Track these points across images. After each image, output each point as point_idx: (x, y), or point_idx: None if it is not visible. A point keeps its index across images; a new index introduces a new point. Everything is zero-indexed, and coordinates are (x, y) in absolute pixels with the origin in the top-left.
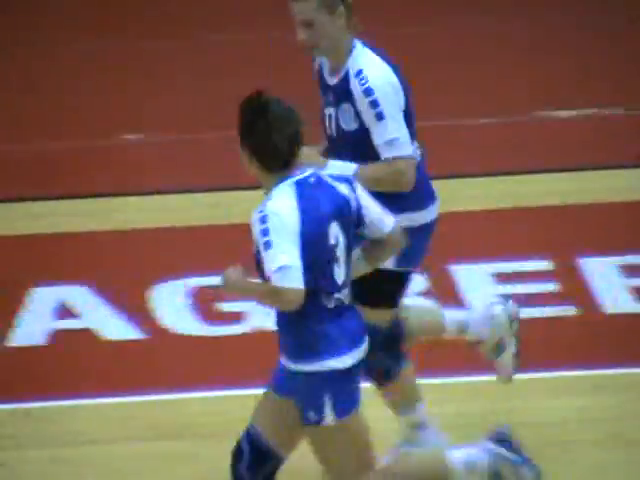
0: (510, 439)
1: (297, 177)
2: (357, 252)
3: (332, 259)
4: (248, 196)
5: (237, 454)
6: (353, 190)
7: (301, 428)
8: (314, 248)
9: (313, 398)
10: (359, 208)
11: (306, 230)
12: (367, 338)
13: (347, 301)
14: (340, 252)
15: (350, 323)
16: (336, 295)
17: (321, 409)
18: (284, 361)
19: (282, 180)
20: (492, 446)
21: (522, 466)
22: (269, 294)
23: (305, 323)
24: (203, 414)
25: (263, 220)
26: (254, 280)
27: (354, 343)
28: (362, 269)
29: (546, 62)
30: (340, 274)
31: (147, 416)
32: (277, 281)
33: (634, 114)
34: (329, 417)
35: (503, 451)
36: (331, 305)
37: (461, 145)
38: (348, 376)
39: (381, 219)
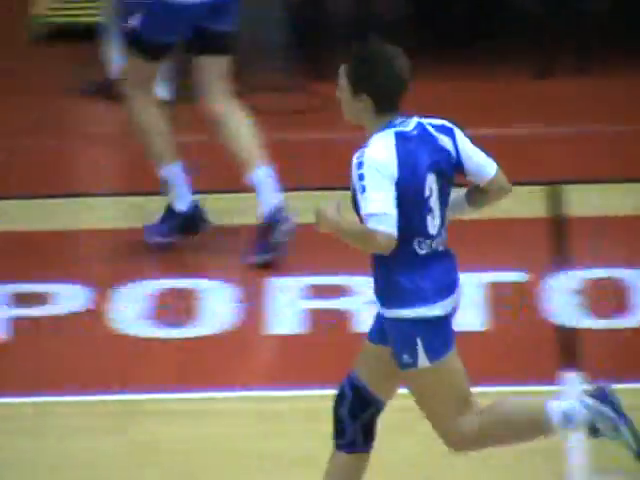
0: (611, 397)
1: (399, 128)
2: (461, 196)
3: (426, 210)
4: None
5: (339, 398)
6: (454, 141)
7: (398, 374)
8: (409, 198)
9: (406, 342)
10: (459, 158)
11: (402, 180)
12: (459, 286)
13: (441, 248)
14: (434, 203)
15: (442, 272)
16: (428, 243)
17: (415, 352)
18: (378, 307)
19: (386, 126)
20: (592, 401)
21: (620, 424)
22: (362, 236)
23: (396, 270)
24: None
25: (360, 165)
26: (349, 219)
27: (445, 292)
28: (466, 212)
29: None
30: (434, 225)
31: None
32: (371, 225)
33: None
34: (423, 360)
35: (603, 407)
36: (422, 252)
37: None
38: (440, 321)
39: (484, 165)
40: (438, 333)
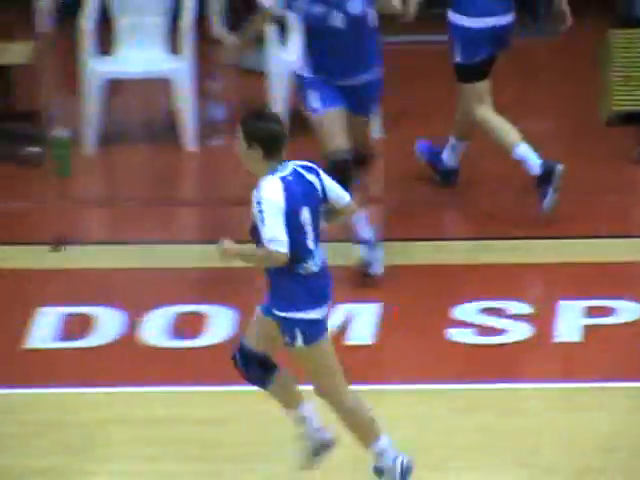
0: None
1: (281, 173)
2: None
3: (304, 232)
4: None
5: (234, 361)
6: (319, 178)
7: (280, 341)
8: (293, 225)
9: (288, 330)
10: (324, 191)
11: (288, 213)
12: (331, 296)
13: (318, 265)
14: (308, 227)
15: (319, 288)
16: (309, 262)
17: (294, 337)
18: (269, 304)
19: (272, 172)
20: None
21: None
22: (263, 256)
23: (284, 282)
24: None
25: (259, 204)
26: (247, 246)
27: (320, 302)
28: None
29: None
30: (310, 243)
31: None
32: (271, 247)
33: None
34: (299, 343)
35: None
36: (303, 272)
37: None
38: (315, 320)
39: (341, 195)
40: (312, 328)
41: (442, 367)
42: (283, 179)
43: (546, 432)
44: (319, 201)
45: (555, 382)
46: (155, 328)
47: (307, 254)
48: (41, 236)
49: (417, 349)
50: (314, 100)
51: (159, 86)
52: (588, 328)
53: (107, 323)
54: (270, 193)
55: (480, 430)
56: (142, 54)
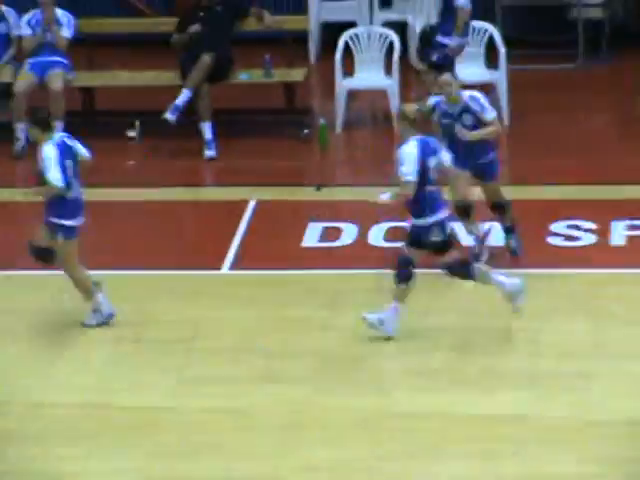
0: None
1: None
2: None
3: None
4: None
5: None
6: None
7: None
8: (421, 169)
9: (51, 230)
10: (438, 152)
11: (419, 161)
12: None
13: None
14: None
15: (74, 207)
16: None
17: (55, 235)
18: None
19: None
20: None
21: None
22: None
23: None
24: None
25: (401, 154)
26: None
27: (77, 216)
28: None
29: None
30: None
31: None
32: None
33: None
34: (61, 238)
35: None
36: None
37: None
38: (71, 227)
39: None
40: (68, 231)
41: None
42: (419, 140)
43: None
44: (436, 157)
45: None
46: (375, 235)
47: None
48: (311, 181)
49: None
50: None
51: (380, 94)
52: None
53: (349, 232)
54: (409, 148)
55: None
56: (369, 75)
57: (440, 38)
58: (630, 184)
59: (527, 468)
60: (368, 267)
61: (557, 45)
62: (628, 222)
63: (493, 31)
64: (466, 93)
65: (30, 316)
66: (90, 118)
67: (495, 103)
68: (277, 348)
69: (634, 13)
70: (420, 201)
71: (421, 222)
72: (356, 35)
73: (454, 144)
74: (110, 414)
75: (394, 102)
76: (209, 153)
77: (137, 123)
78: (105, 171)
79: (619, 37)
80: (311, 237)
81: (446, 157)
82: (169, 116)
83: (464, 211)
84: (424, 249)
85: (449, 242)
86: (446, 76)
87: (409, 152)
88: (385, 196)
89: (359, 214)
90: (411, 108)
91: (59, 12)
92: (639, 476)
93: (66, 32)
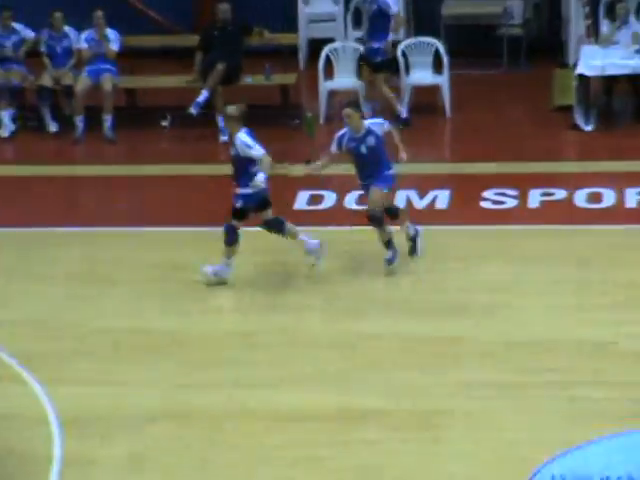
0: None
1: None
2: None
3: None
4: None
5: None
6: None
7: None
8: None
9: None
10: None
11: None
12: None
13: None
14: None
15: None
16: None
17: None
18: None
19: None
20: None
21: None
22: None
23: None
24: None
25: (245, 143)
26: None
27: None
28: None
29: None
30: None
31: None
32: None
33: None
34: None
35: None
36: None
37: None
38: None
39: None
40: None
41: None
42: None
43: None
44: None
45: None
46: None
47: None
48: (301, 159)
49: None
50: None
51: (353, 93)
52: None
53: (330, 198)
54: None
55: None
56: (345, 79)
57: (375, 44)
58: (542, 161)
59: (459, 377)
60: (343, 225)
61: (487, 55)
62: (541, 190)
63: (439, 45)
64: (367, 122)
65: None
66: (132, 112)
67: (440, 99)
68: (277, 281)
69: (545, 32)
70: (248, 173)
71: (247, 191)
72: (335, 49)
73: (361, 162)
74: (149, 336)
75: (361, 100)
76: (223, 138)
77: (168, 116)
78: (145, 151)
79: (533, 50)
80: (301, 202)
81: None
82: (192, 110)
83: (376, 220)
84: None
85: (264, 204)
86: (347, 110)
87: (247, 138)
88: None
89: (337, 184)
90: (232, 109)
91: (108, 30)
92: (555, 383)
93: (114, 46)
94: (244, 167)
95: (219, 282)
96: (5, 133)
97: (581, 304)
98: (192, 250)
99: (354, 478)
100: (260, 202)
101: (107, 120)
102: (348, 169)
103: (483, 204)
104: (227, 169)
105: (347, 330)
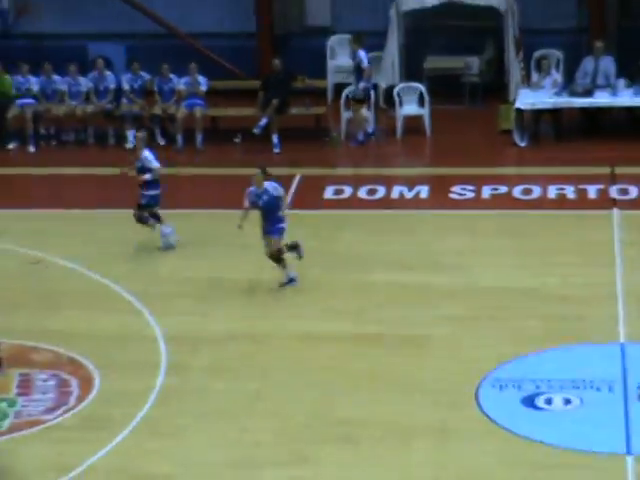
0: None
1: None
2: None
3: None
4: None
5: None
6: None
7: None
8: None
9: None
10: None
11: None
12: None
13: None
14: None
15: None
16: None
17: None
18: None
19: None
20: None
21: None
22: None
23: None
24: None
25: (148, 158)
26: None
27: None
28: None
29: None
30: None
31: None
32: None
33: None
34: None
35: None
36: None
37: None
38: None
39: None
40: None
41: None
42: None
43: None
44: None
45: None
46: (362, 192)
47: None
48: (329, 163)
49: None
50: None
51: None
52: None
53: (348, 190)
54: None
55: None
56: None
57: (358, 86)
58: (492, 167)
59: (435, 312)
60: (359, 209)
61: (455, 96)
62: (491, 186)
63: (422, 88)
64: (267, 183)
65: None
66: (215, 132)
67: (423, 125)
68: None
69: (494, 79)
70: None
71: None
72: (351, 90)
73: (261, 214)
74: (224, 283)
75: (370, 124)
76: (276, 150)
77: (239, 135)
78: (222, 159)
79: (486, 92)
80: (329, 193)
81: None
82: (255, 131)
83: (275, 260)
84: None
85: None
86: (256, 172)
87: (149, 155)
88: None
89: (353, 180)
90: (140, 134)
91: (199, 77)
92: (502, 317)
93: (203, 87)
94: (143, 172)
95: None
96: (130, 145)
97: (519, 263)
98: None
99: (368, 378)
100: (148, 204)
101: (198, 137)
102: (359, 172)
103: (452, 195)
104: (279, 170)
105: (360, 279)
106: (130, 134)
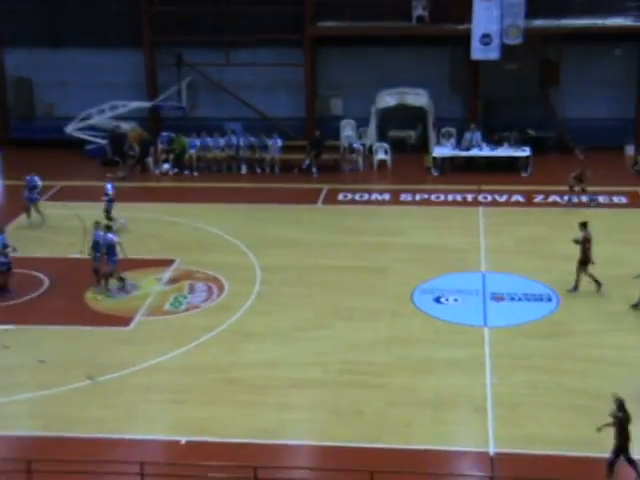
0: None
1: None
2: None
3: None
4: None
5: None
6: None
7: None
8: None
9: None
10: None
11: None
12: None
13: None
14: None
15: None
16: None
17: None
18: None
19: None
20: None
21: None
22: None
23: None
24: None
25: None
26: None
27: None
28: None
29: None
30: None
31: None
32: None
33: None
34: None
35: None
36: None
37: None
38: None
39: None
40: None
41: None
42: None
43: None
44: None
45: None
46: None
47: None
48: (339, 183)
49: None
50: None
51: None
52: None
53: (357, 195)
54: None
55: None
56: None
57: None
58: (419, 184)
59: (394, 257)
60: (355, 204)
61: (403, 150)
62: (419, 195)
63: (387, 145)
64: (109, 234)
65: None
66: (286, 165)
67: (386, 165)
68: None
69: (422, 141)
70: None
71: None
72: (351, 145)
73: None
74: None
75: (360, 162)
76: (314, 175)
77: (295, 168)
78: (291, 179)
79: (419, 149)
80: (342, 197)
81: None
82: (304, 166)
83: (102, 276)
84: None
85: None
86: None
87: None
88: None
89: (352, 190)
90: (34, 181)
91: (278, 139)
92: (437, 261)
93: (279, 143)
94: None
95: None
96: (243, 172)
97: (434, 232)
98: (270, 223)
99: (357, 288)
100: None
101: (276, 168)
102: (355, 186)
103: (401, 198)
104: (316, 186)
105: (355, 240)
106: (243, 167)
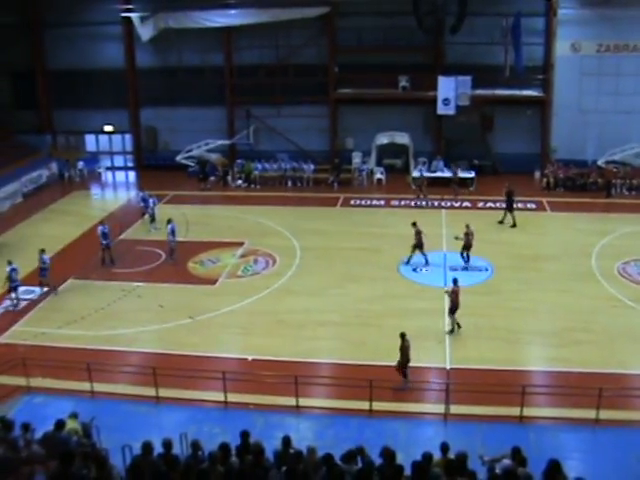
0: None
1: None
2: None
3: None
4: None
5: None
6: None
7: None
8: None
9: None
10: None
11: None
12: None
13: None
14: None
15: None
16: None
17: None
18: None
19: None
20: None
21: None
22: None
23: None
24: None
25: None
26: None
27: None
28: None
29: None
30: None
31: None
32: None
33: None
34: None
35: None
36: None
37: None
38: None
39: None
40: None
41: None
42: None
43: None
44: None
45: None
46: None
47: None
48: (352, 192)
49: None
50: None
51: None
52: None
53: (365, 200)
54: None
55: None
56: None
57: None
58: (404, 194)
59: (388, 236)
60: (362, 207)
61: (393, 172)
62: (404, 200)
63: (383, 169)
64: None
65: None
66: (318, 182)
67: (382, 181)
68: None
69: (406, 167)
70: None
71: None
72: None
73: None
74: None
75: (365, 180)
76: (335, 187)
77: (324, 184)
78: (320, 190)
79: (403, 171)
80: (353, 202)
81: None
82: (329, 182)
83: (45, 285)
84: None
85: None
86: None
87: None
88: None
89: (360, 198)
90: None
91: (311, 164)
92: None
93: (312, 168)
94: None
95: None
96: (289, 185)
97: (409, 224)
98: (308, 219)
99: (361, 261)
100: None
101: (307, 182)
102: (362, 195)
103: (392, 203)
104: (334, 195)
105: (362, 230)
106: (289, 183)
